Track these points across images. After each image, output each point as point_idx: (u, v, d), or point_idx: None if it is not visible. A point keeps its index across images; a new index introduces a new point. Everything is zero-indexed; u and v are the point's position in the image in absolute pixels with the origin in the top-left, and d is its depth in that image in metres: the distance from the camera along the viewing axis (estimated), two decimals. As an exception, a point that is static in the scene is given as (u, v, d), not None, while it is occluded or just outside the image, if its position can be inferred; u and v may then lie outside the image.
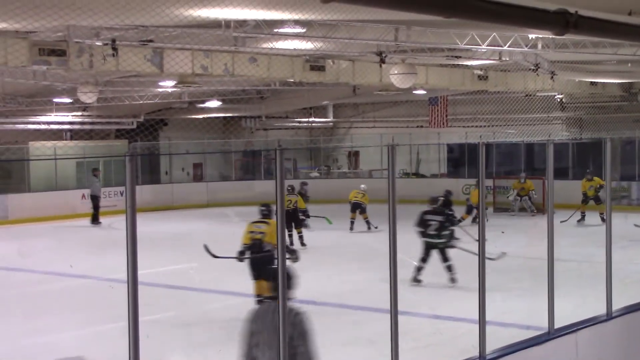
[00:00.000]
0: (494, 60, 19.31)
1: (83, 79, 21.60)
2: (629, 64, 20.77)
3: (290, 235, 19.01)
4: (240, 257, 12.42)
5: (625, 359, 8.54)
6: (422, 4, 5.85)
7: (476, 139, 26.21)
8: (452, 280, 14.37)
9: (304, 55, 18.66)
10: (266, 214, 12.81)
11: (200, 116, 33.41)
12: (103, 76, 21.63)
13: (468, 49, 17.00)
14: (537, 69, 20.16)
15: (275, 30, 14.51)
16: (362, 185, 25.38)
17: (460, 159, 33.54)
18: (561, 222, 15.72)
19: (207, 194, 31.93)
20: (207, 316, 12.85)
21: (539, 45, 17.03)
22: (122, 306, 5.26)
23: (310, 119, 36.18)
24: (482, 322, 7.01)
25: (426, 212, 14.83)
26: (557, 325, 7.74)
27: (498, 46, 16.79)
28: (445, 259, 14.62)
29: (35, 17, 12.01)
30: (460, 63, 21.01)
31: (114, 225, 24.89)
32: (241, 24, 14.26)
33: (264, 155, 35.04)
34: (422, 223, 14.62)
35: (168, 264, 17.65)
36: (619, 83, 26.62)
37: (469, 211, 23.25)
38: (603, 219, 21.06)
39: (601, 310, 8.64)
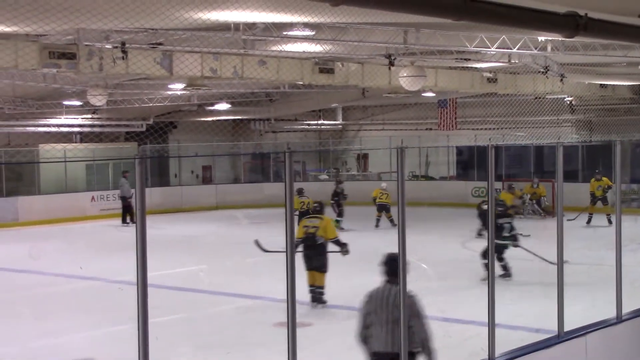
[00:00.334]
0: (503, 62, 19.28)
1: (93, 82, 21.66)
2: (639, 66, 20.72)
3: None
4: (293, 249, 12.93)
5: (635, 362, 8.52)
6: (431, 7, 5.85)
7: (485, 142, 26.17)
8: (506, 276, 14.62)
9: (313, 57, 18.67)
10: (319, 210, 13.70)
11: (210, 119, 33.44)
12: (113, 79, 21.69)
13: (477, 51, 16.99)
14: (546, 72, 20.11)
15: (285, 33, 14.52)
16: (384, 184, 25.69)
17: (470, 162, 33.50)
18: (568, 220, 15.79)
19: (216, 196, 31.98)
20: (216, 318, 12.86)
21: (549, 48, 17.00)
22: (131, 308, 5.27)
23: (319, 122, 36.18)
24: (491, 324, 7.00)
25: (497, 216, 14.86)
26: (566, 328, 7.73)
27: (507, 49, 16.77)
28: (502, 258, 14.83)
29: (46, 21, 12.04)
30: (470, 65, 20.97)
31: (123, 228, 24.95)
32: (250, 26, 14.29)
33: (273, 158, 35.07)
34: (495, 227, 14.75)
35: (177, 266, 17.68)
36: (629, 85, 26.53)
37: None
38: (610, 221, 21.02)
39: (611, 313, 8.62)
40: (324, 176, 35.87)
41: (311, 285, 13.09)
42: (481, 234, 15.32)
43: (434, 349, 6.66)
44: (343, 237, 17.75)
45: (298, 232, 13.14)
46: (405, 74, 18.62)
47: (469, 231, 19.71)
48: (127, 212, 26.67)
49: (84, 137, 32.69)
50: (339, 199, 25.10)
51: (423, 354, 6.61)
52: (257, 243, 14.18)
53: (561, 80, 22.11)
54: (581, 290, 12.75)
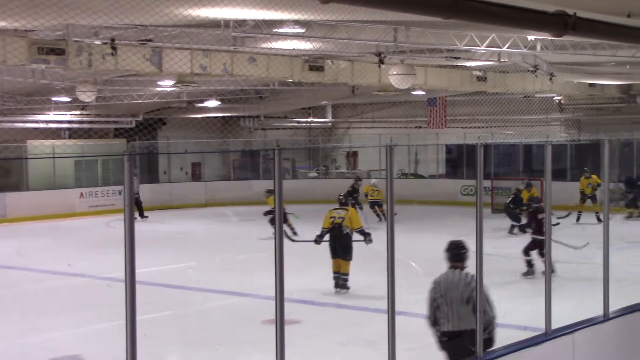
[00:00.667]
0: (492, 61, 19.33)
1: (82, 78, 21.59)
2: (628, 66, 20.80)
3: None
4: (318, 239, 14.26)
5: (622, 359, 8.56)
6: (421, 5, 5.86)
7: (474, 140, 26.24)
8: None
9: (303, 55, 18.67)
10: (344, 203, 14.84)
11: (199, 116, 33.41)
12: (102, 75, 21.63)
13: (467, 50, 17.02)
14: (535, 71, 20.18)
15: (275, 30, 14.52)
16: (374, 180, 25.91)
17: (459, 160, 33.56)
18: (558, 218, 15.93)
19: (206, 193, 31.94)
20: (204, 315, 12.86)
21: (538, 47, 17.05)
22: (119, 305, 5.27)
23: (309, 119, 36.19)
24: (479, 323, 7.02)
25: (538, 212, 15.18)
26: (554, 326, 7.75)
27: (497, 47, 16.81)
28: (544, 254, 14.80)
29: (35, 16, 12.01)
30: (459, 64, 21.02)
31: (112, 224, 24.90)
32: (240, 23, 14.27)
33: (263, 155, 35.05)
34: (538, 222, 14.92)
35: (166, 263, 17.66)
36: (617, 85, 26.63)
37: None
38: (599, 219, 21.10)
39: (598, 311, 8.65)
40: (313, 174, 35.88)
41: (335, 272, 14.09)
42: (514, 232, 15.22)
43: (496, 325, 7.28)
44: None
45: (325, 222, 14.28)
46: (395, 72, 18.64)
47: (458, 229, 19.74)
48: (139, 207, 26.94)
49: (73, 134, 32.59)
50: (358, 195, 25.33)
51: (487, 330, 7.18)
52: (285, 234, 14.64)
53: (550, 79, 22.18)
54: (569, 289, 12.79)
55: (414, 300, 12.44)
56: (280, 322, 5.76)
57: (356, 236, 14.20)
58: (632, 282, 12.93)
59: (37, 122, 29.71)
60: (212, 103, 30.11)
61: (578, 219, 23.39)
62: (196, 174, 36.11)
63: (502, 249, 17.21)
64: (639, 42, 11.56)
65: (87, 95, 21.84)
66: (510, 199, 22.55)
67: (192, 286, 15.12)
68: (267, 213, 20.86)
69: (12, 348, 10.96)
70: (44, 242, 22.12)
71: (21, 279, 16.46)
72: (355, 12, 12.46)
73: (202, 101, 30.26)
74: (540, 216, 14.93)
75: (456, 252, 7.70)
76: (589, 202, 23.83)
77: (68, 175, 31.25)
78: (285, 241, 5.89)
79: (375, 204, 24.92)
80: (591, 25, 7.44)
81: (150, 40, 15.60)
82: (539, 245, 14.68)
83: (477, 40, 16.28)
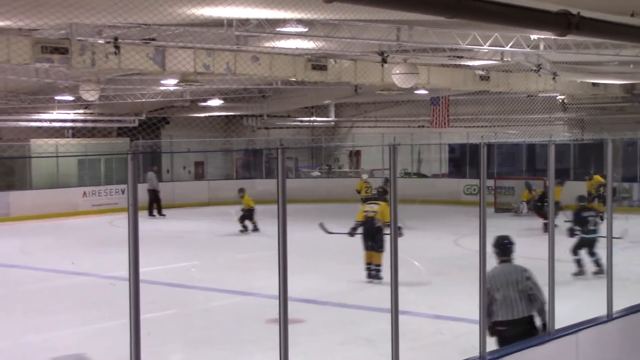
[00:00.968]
0: (495, 60, 19.32)
1: (85, 77, 21.62)
2: (631, 65, 20.77)
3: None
4: (352, 232, 15.02)
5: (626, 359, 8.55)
6: (424, 5, 5.86)
7: (477, 140, 26.22)
8: (599, 272, 14.27)
9: (306, 54, 18.67)
10: (378, 197, 16.01)
11: (202, 115, 33.42)
12: (105, 74, 21.65)
13: (470, 49, 17.02)
14: (539, 70, 20.16)
15: (278, 29, 14.52)
16: (364, 175, 26.07)
17: (462, 159, 33.55)
18: (565, 221, 15.88)
19: (209, 192, 31.95)
20: (208, 314, 12.87)
21: (541, 46, 17.04)
22: (123, 304, 5.28)
23: (312, 118, 36.19)
24: (482, 322, 7.02)
25: (582, 210, 15.15)
26: (557, 325, 7.75)
27: (500, 46, 16.80)
28: (593, 253, 14.74)
29: (39, 15, 12.03)
30: (462, 63, 21.01)
31: (115, 223, 24.92)
32: (243, 22, 14.28)
33: (266, 154, 35.06)
34: (581, 221, 14.83)
35: (170, 262, 17.67)
36: (620, 84, 26.60)
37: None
38: (602, 218, 21.10)
39: (602, 311, 8.64)
40: (315, 173, 35.88)
41: (368, 263, 14.84)
42: (575, 234, 14.93)
43: (546, 310, 7.78)
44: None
45: (359, 215, 15.24)
46: (397, 71, 18.65)
47: (461, 228, 19.79)
48: (153, 204, 27.50)
49: (76, 133, 32.64)
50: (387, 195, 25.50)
51: (539, 316, 7.85)
52: (321, 225, 15.70)
53: (553, 78, 22.17)
54: (572, 288, 12.79)
55: (417, 299, 12.47)
56: (283, 321, 5.76)
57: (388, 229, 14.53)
58: (636, 282, 12.94)
59: (40, 121, 29.73)
60: (215, 102, 30.12)
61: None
62: (199, 173, 36.12)
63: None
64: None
65: (90, 94, 21.87)
66: (537, 197, 22.63)
67: (195, 285, 15.13)
68: (243, 213, 22.17)
69: (14, 347, 10.97)
70: (47, 241, 22.14)
71: (24, 278, 16.48)
72: (358, 11, 12.47)
73: (205, 100, 30.27)
74: (585, 214, 14.88)
75: (504, 246, 8.21)
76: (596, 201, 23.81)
77: (71, 174, 31.30)
78: (290, 240, 5.89)
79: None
80: (595, 25, 7.44)
81: (153, 39, 15.61)
82: (587, 244, 14.63)
83: (480, 39, 16.27)
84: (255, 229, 22.52)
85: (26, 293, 14.96)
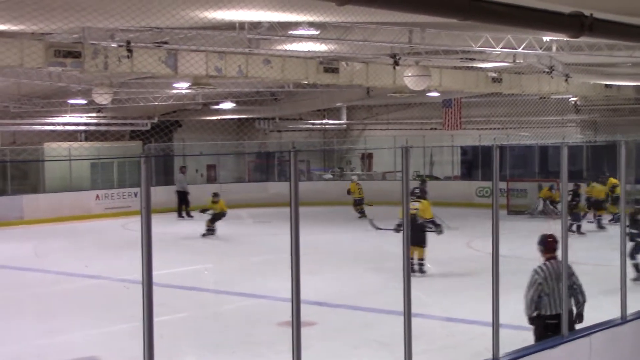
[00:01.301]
0: (508, 62, 19.27)
1: (98, 81, 21.69)
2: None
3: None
4: (397, 228, 15.15)
5: (639, 362, 8.52)
6: (437, 7, 5.85)
7: (490, 142, 26.17)
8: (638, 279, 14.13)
9: (318, 57, 18.68)
10: (419, 195, 16.51)
11: (214, 118, 33.46)
12: (118, 78, 21.72)
13: (482, 51, 16.98)
14: (551, 72, 20.09)
15: (289, 32, 14.53)
16: (355, 177, 26.65)
17: (474, 162, 33.47)
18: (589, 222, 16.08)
19: (221, 195, 31.93)
20: (221, 317, 12.88)
21: (554, 48, 16.98)
22: (136, 307, 5.29)
23: (324, 121, 36.18)
24: (495, 324, 7.00)
25: (637, 213, 14.86)
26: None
27: (512, 49, 16.75)
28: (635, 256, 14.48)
29: (52, 20, 12.08)
30: (475, 65, 20.96)
31: (128, 227, 24.99)
32: (255, 25, 14.29)
33: (278, 157, 35.06)
34: (636, 223, 14.53)
35: (182, 265, 17.70)
36: (634, 85, 26.49)
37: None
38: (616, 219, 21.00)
39: (616, 313, 8.61)
40: (328, 175, 35.87)
41: (411, 258, 14.47)
42: (635, 239, 14.42)
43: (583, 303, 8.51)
44: (345, 237, 17.87)
45: (400, 212, 14.74)
46: (409, 74, 18.62)
47: (474, 231, 19.72)
48: (182, 205, 28.22)
49: (89, 136, 32.74)
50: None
51: (577, 309, 8.47)
52: (371, 222, 17.70)
53: (566, 80, 22.08)
54: (586, 291, 12.73)
55: (430, 302, 12.45)
56: (296, 324, 5.76)
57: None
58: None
59: (53, 124, 29.83)
60: (227, 105, 30.15)
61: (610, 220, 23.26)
62: (211, 176, 36.15)
63: (517, 249, 17.13)
64: (656, 42, 11.50)
65: (103, 98, 21.93)
66: (571, 192, 22.56)
67: (207, 288, 15.15)
68: (213, 217, 22.47)
69: (28, 349, 11.01)
70: (60, 244, 22.23)
71: (37, 281, 16.55)
72: (370, 13, 12.46)
73: (217, 103, 30.31)
74: (638, 217, 14.50)
75: (550, 244, 8.69)
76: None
77: (84, 177, 31.39)
78: (302, 242, 5.89)
79: (361, 202, 26.88)
80: (608, 26, 7.41)
81: (165, 43, 15.64)
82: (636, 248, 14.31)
83: (492, 41, 16.24)
84: (211, 232, 22.81)
85: (39, 296, 15.02)
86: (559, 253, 8.65)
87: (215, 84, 22.82)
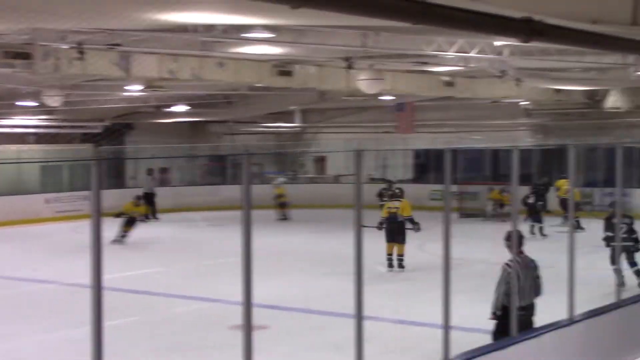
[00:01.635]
0: (460, 66, 19.44)
1: (48, 82, 21.40)
2: (593, 72, 20.99)
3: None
4: (379, 226, 16.75)
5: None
6: (390, 11, 5.88)
7: (443, 145, 26.39)
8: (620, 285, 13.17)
9: (272, 60, 18.66)
10: (399, 195, 17.89)
11: (168, 120, 33.23)
12: (69, 80, 21.45)
13: (435, 55, 17.11)
14: (503, 76, 20.31)
15: (243, 35, 14.49)
16: (281, 178, 26.85)
17: (427, 165, 33.67)
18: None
19: (173, 198, 31.73)
20: (172, 321, 12.80)
21: (506, 52, 17.18)
22: (86, 311, 5.23)
23: (278, 124, 36.13)
24: (446, 326, 7.05)
25: (613, 217, 14.15)
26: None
27: (465, 53, 16.91)
28: (633, 263, 14.23)
29: (1, 20, 11.89)
30: (428, 69, 21.11)
31: (79, 230, 24.69)
32: (209, 28, 14.23)
33: (231, 160, 34.92)
34: (612, 227, 13.94)
35: (134, 268, 17.55)
36: (583, 90, 26.89)
37: None
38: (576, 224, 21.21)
39: (564, 314, 8.72)
40: (281, 179, 35.85)
41: (389, 254, 16.78)
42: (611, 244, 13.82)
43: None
44: (297, 239, 17.80)
45: (383, 212, 17.30)
46: (363, 77, 18.70)
47: (426, 233, 19.80)
48: (148, 207, 27.79)
49: (40, 139, 32.27)
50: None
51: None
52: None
53: (517, 84, 22.35)
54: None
55: (382, 304, 12.48)
56: (247, 328, 5.75)
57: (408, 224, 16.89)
58: (597, 286, 13.04)
59: (2, 126, 29.37)
60: (181, 108, 29.97)
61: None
62: (164, 179, 35.87)
63: (468, 252, 17.30)
64: (604, 48, 11.70)
65: (53, 100, 21.66)
66: (533, 194, 22.74)
67: (160, 292, 15.04)
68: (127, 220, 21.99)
69: (-24, 355, 10.83)
70: (8, 248, 21.87)
71: (-14, 286, 16.27)
72: (324, 17, 12.45)
73: (170, 106, 30.11)
74: (615, 221, 13.70)
75: (519, 240, 9.11)
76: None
77: (34, 180, 30.93)
78: (255, 246, 5.88)
79: (285, 205, 27.60)
80: (557, 32, 7.52)
81: (118, 45, 15.50)
82: (625, 252, 13.94)
83: (445, 45, 16.37)
84: (123, 236, 22.12)
85: (-13, 301, 14.77)
86: (525, 249, 9.25)
87: (168, 86, 22.68)
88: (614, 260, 13.65)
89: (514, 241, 8.92)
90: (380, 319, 11.46)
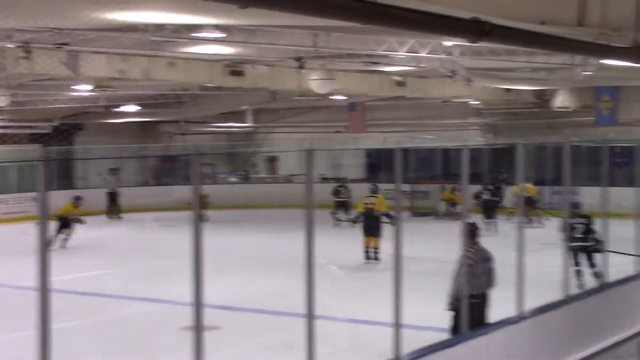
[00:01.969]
0: (411, 66, 19.55)
1: (-6, 82, 21.05)
2: (542, 72, 21.25)
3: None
4: (355, 219, 18.22)
5: (535, 359, 8.74)
6: (339, 10, 5.89)
7: (394, 145, 26.50)
8: (579, 287, 13.23)
9: (224, 60, 18.58)
10: (375, 191, 18.91)
11: (118, 120, 32.91)
12: (15, 79, 21.11)
13: (386, 55, 17.18)
14: (453, 76, 20.47)
15: (194, 34, 14.40)
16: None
17: (379, 164, 33.78)
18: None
19: (124, 199, 31.44)
20: (123, 323, 12.67)
21: (456, 53, 17.31)
22: (34, 314, 5.15)
23: (229, 124, 36.00)
24: (397, 325, 7.09)
25: (570, 217, 14.00)
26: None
27: (416, 53, 17.00)
28: (592, 264, 13.92)
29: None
30: (379, 69, 21.20)
31: (27, 232, 24.32)
32: (159, 28, 14.11)
33: (182, 161, 34.69)
34: (566, 228, 13.43)
35: (83, 270, 17.35)
36: (532, 90, 27.23)
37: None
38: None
39: (513, 312, 8.82)
40: (233, 179, 35.73)
41: (367, 247, 17.58)
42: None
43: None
44: (249, 240, 17.76)
45: (359, 207, 18.52)
46: (314, 77, 18.71)
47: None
48: (113, 206, 28.24)
49: (-15, 139, 31.73)
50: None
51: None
52: (333, 214, 21.58)
53: (468, 84, 22.55)
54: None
55: (333, 304, 12.50)
56: (198, 329, 5.72)
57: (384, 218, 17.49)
58: (546, 283, 13.20)
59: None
60: (131, 108, 29.70)
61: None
62: (115, 180, 35.49)
63: (419, 251, 17.39)
64: (552, 49, 11.87)
65: (0, 100, 21.29)
66: (486, 191, 22.89)
67: (109, 294, 14.88)
68: (61, 221, 20.93)
69: None
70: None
71: None
72: (275, 16, 12.44)
73: (118, 105, 29.81)
74: (572, 221, 13.61)
75: (474, 231, 9.63)
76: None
77: (-21, 181, 30.41)
78: (207, 246, 5.84)
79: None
80: (505, 32, 7.60)
81: (66, 44, 15.30)
82: (582, 253, 13.84)
83: (396, 45, 16.45)
84: (65, 239, 21.30)
85: None
86: (479, 240, 9.66)
87: (118, 86, 22.46)
88: (576, 262, 13.72)
89: (466, 231, 9.25)
90: (332, 318, 11.47)
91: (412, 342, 7.74)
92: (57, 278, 5.25)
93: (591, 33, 9.24)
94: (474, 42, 7.28)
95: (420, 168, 32.32)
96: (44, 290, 4.95)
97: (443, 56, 17.41)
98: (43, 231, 5.00)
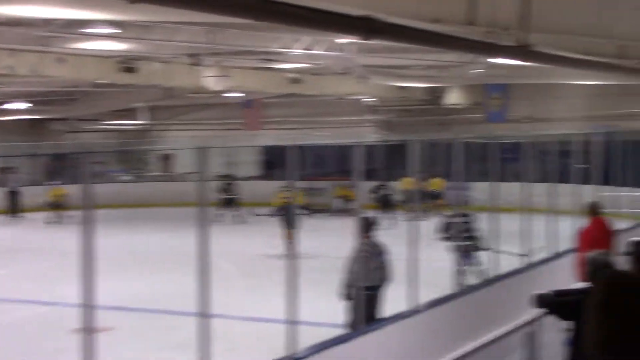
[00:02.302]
0: (307, 63, 19.63)
1: None
2: (434, 70, 21.66)
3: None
4: (275, 213, 18.71)
5: (429, 352, 8.89)
6: (227, 6, 5.86)
7: (289, 141, 26.54)
8: (460, 285, 13.08)
9: (116, 56, 18.25)
10: (289, 186, 19.55)
11: (6, 118, 31.94)
12: None
13: (282, 52, 17.20)
14: (348, 73, 20.65)
15: (84, 30, 14.09)
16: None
17: (274, 161, 33.81)
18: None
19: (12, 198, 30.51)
20: (9, 326, 12.37)
21: (351, 50, 17.44)
22: None
23: (121, 122, 35.42)
24: (292, 321, 7.11)
25: (449, 216, 14.24)
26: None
27: (311, 50, 17.07)
28: (473, 263, 13.61)
29: None
30: (275, 66, 21.21)
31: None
32: (47, 22, 13.75)
33: (72, 159, 33.89)
34: (446, 227, 13.87)
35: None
36: (424, 87, 27.70)
37: None
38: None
39: (406, 306, 8.94)
40: (126, 177, 35.19)
41: (289, 240, 18.01)
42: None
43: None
44: (139, 238, 17.53)
45: (276, 201, 19.31)
46: (209, 74, 18.60)
47: (275, 229, 19.92)
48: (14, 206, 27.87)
49: None
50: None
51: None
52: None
53: (363, 81, 22.78)
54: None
55: (228, 302, 12.45)
56: (88, 330, 5.61)
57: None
58: (439, 277, 13.47)
59: None
60: (20, 105, 28.90)
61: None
62: (2, 180, 34.41)
63: (316, 248, 17.50)
64: (443, 47, 12.08)
65: None
66: (383, 187, 23.10)
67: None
68: None
69: None
70: None
71: None
72: (167, 12, 12.27)
73: (6, 103, 28.96)
74: (450, 220, 13.81)
75: (366, 225, 9.95)
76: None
77: None
78: (98, 246, 5.73)
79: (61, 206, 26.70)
80: (395, 30, 7.69)
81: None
82: (462, 251, 13.57)
83: (290, 43, 16.47)
84: None
85: None
86: (374, 234, 10.10)
87: (6, 82, 21.81)
88: (458, 261, 13.67)
89: (360, 226, 9.57)
90: (227, 316, 11.41)
91: (309, 338, 7.76)
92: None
93: (480, 32, 9.44)
94: (365, 40, 7.35)
95: (315, 165, 32.48)
96: None
97: (337, 53, 17.53)
98: None
